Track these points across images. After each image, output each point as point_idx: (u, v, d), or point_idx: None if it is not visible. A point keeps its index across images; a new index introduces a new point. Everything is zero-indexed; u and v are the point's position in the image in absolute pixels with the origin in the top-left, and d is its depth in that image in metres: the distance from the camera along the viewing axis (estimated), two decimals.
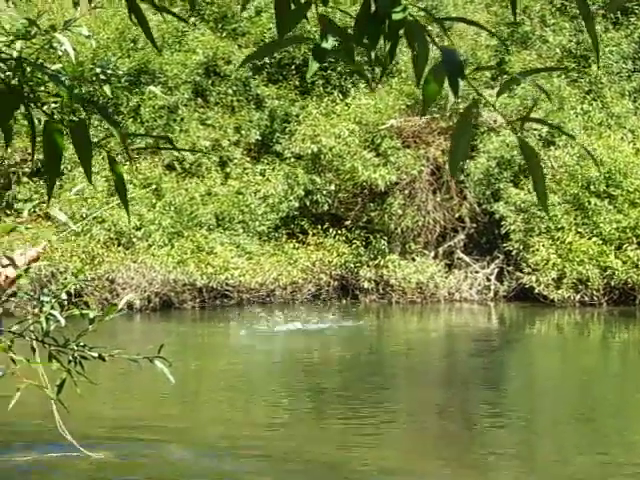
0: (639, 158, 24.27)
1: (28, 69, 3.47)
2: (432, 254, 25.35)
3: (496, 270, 25.20)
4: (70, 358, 4.78)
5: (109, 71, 5.39)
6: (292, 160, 25.41)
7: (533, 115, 2.43)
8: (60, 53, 4.93)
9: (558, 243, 23.79)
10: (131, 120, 25.22)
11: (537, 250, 23.84)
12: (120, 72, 22.80)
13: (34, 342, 4.87)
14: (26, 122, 2.70)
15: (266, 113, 26.36)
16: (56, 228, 21.83)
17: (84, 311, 4.97)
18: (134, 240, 23.50)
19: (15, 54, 4.47)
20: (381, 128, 25.04)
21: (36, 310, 4.95)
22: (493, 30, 25.27)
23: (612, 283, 23.48)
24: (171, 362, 4.91)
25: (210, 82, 26.48)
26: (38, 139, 2.53)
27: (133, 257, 23.14)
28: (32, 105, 2.77)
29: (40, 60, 4.59)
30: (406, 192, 25.04)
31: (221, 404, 13.31)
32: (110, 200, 22.21)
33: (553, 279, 23.61)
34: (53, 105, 3.94)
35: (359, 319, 22.05)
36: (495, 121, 24.24)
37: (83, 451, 8.92)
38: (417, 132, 25.37)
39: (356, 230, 25.37)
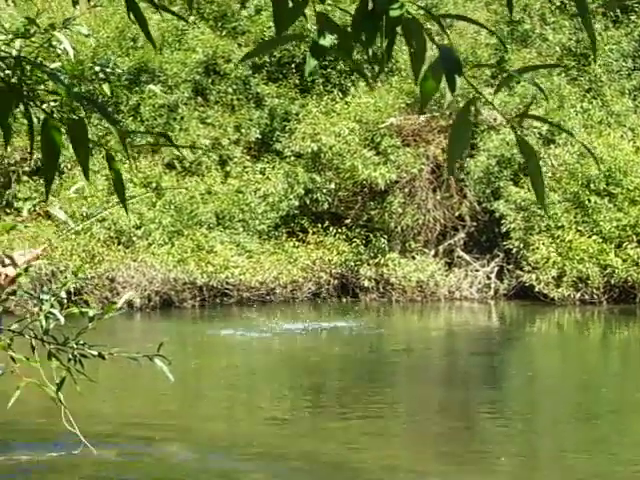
0: (639, 156, 24.26)
1: (27, 67, 3.47)
2: (432, 252, 25.34)
3: (496, 268, 25.18)
4: (70, 356, 4.78)
5: (109, 70, 5.40)
6: (292, 159, 25.39)
7: (533, 113, 2.42)
8: (59, 52, 4.93)
9: (558, 241, 23.78)
10: (131, 119, 25.20)
11: (537, 248, 23.83)
12: (120, 71, 22.85)
13: (34, 340, 4.87)
14: (26, 121, 2.70)
15: (266, 112, 26.35)
16: (56, 227, 21.86)
17: (84, 309, 4.97)
18: (134, 239, 23.49)
19: (14, 52, 4.48)
20: (381, 126, 25.03)
21: (36, 309, 4.95)
22: (493, 28, 25.25)
23: (612, 281, 23.47)
24: (170, 360, 4.91)
25: (210, 81, 26.46)
26: (37, 137, 2.53)
27: (133, 256, 23.14)
28: (31, 103, 2.77)
29: (39, 59, 4.59)
30: (406, 190, 25.03)
31: (221, 402, 13.32)
32: (110, 199, 22.22)
33: (553, 277, 23.60)
34: (52, 103, 3.95)
35: (359, 318, 22.04)
36: (495, 119, 24.22)
37: (89, 446, 8.91)
38: (417, 130, 25.36)
39: (356, 229, 25.34)
